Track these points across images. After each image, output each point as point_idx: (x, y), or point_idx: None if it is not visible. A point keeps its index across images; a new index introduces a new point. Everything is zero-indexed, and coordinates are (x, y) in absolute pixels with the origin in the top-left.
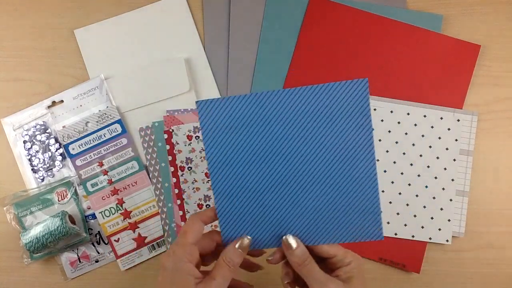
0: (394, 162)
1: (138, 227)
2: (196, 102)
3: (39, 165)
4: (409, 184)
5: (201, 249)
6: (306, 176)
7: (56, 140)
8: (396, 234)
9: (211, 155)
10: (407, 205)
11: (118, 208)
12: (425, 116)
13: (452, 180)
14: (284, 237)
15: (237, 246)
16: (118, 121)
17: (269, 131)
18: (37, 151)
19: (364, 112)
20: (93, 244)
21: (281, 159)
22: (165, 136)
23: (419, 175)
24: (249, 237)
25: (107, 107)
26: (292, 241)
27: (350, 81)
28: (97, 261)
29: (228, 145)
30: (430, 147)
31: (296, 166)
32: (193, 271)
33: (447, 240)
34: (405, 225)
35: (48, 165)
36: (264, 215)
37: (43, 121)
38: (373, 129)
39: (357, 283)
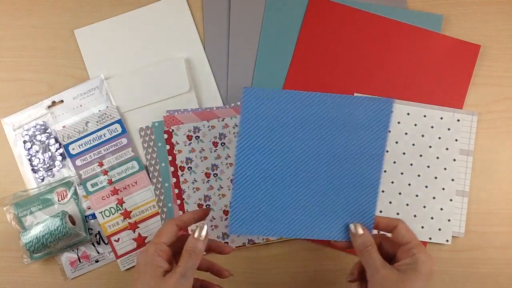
0: (394, 162)
1: (138, 227)
2: (244, 88)
3: (39, 165)
4: (409, 184)
5: (175, 251)
6: (319, 175)
7: (56, 140)
8: None
9: (243, 141)
10: (407, 205)
11: (118, 208)
12: (425, 116)
13: (452, 180)
14: (351, 224)
15: (196, 235)
16: (118, 121)
17: (299, 130)
18: (37, 151)
19: (384, 128)
20: (93, 244)
21: (303, 157)
22: (165, 136)
23: (419, 175)
24: (206, 225)
25: (107, 107)
26: (359, 228)
27: (379, 98)
28: (97, 261)
29: (259, 134)
30: (430, 147)
31: (312, 164)
32: (162, 263)
33: (447, 240)
34: None
35: (48, 165)
36: (273, 203)
37: (43, 121)
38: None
39: (414, 276)
